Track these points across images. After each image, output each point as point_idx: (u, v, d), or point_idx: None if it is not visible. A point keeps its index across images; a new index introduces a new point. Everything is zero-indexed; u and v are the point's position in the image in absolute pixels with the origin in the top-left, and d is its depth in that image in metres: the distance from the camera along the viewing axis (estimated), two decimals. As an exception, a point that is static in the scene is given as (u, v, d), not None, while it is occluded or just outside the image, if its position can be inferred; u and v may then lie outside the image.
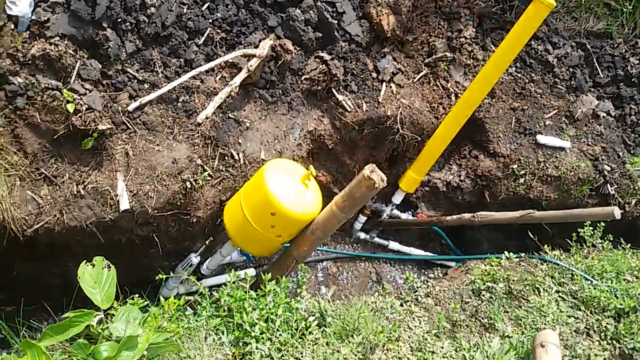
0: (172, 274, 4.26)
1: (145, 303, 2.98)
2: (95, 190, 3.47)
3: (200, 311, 3.22)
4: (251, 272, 4.85)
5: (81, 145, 3.44)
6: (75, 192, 3.44)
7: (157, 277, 3.20)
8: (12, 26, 3.31)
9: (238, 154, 4.07)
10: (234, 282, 3.25)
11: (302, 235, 3.82)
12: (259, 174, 3.74)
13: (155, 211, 3.63)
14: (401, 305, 3.88)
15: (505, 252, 4.38)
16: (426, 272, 5.80)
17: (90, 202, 3.47)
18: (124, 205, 3.46)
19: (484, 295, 4.03)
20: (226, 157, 4.04)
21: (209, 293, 3.32)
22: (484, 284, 4.10)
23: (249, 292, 3.21)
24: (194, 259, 4.16)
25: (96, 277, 2.50)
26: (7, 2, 3.28)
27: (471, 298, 4.04)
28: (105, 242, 3.59)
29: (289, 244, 3.94)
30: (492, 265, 4.27)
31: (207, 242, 4.06)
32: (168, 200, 3.67)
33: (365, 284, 5.57)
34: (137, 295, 3.07)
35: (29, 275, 3.71)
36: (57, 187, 3.40)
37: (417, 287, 4.09)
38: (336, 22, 4.66)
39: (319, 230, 3.75)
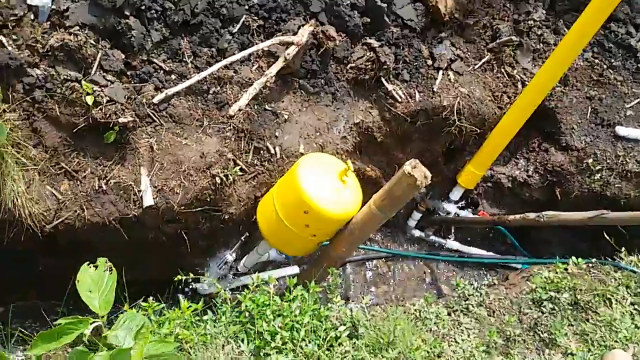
0: (206, 271, 4.09)
1: (161, 306, 2.77)
2: (118, 186, 3.30)
3: (220, 316, 2.98)
4: (294, 270, 4.60)
5: (104, 139, 3.27)
6: (97, 188, 3.29)
7: (175, 278, 2.98)
8: (32, 16, 3.19)
9: (274, 148, 3.80)
10: (257, 286, 2.98)
11: (340, 235, 3.52)
12: (292, 169, 3.46)
13: (182, 207, 3.43)
14: (448, 314, 3.49)
15: (573, 258, 3.88)
16: (487, 275, 5.34)
17: (112, 197, 3.32)
18: (148, 201, 3.28)
19: (545, 306, 3.58)
20: (261, 151, 3.78)
21: (232, 296, 3.07)
22: (546, 293, 3.64)
23: (272, 297, 2.94)
24: (229, 256, 3.96)
25: (97, 280, 2.30)
26: (27, -9, 3.16)
27: (531, 309, 3.59)
28: (129, 239, 3.42)
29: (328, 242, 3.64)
30: (556, 272, 3.79)
31: (242, 239, 3.83)
32: (196, 196, 3.46)
33: (418, 286, 5.19)
34: (151, 298, 2.86)
35: (54, 272, 3.61)
36: (78, 182, 3.26)
37: (469, 295, 3.67)
38: (386, 5, 4.28)
39: (357, 230, 3.43)
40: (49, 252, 3.46)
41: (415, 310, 3.52)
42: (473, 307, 3.58)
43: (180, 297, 2.79)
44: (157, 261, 3.82)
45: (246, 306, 2.92)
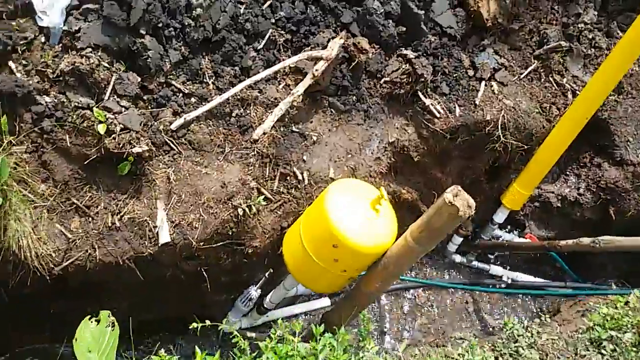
0: (231, 309, 3.83)
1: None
2: (132, 222, 3.06)
3: (239, 371, 2.70)
4: (324, 302, 4.30)
5: (117, 170, 3.04)
6: (110, 224, 3.05)
7: (191, 326, 2.71)
8: (43, 39, 2.99)
9: (302, 173, 3.52)
10: (281, 338, 2.68)
11: (373, 269, 3.21)
12: (320, 198, 3.16)
13: (202, 243, 3.17)
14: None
15: (635, 291, 3.47)
16: (534, 304, 4.93)
17: (126, 234, 3.08)
18: (164, 238, 3.03)
19: (605, 348, 3.18)
20: (288, 177, 3.50)
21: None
22: (605, 332, 3.25)
23: (297, 348, 2.63)
24: (254, 292, 3.68)
25: (97, 338, 2.05)
26: (37, 13, 2.96)
27: (588, 350, 3.21)
28: (145, 279, 3.17)
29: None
30: (616, 307, 3.38)
31: (266, 274, 3.55)
32: (216, 230, 3.20)
33: (459, 317, 4.82)
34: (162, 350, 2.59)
35: (66, 314, 3.39)
36: (90, 219, 3.03)
37: (518, 336, 3.29)
38: (423, 12, 3.97)
39: (392, 265, 3.10)
40: (59, 294, 3.24)
41: (459, 355, 3.16)
42: (523, 349, 3.22)
43: (197, 348, 2.51)
44: (176, 299, 3.58)
45: (267, 358, 2.62)
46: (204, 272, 3.33)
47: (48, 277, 2.92)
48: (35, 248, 2.79)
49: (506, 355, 3.20)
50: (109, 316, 2.15)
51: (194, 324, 2.70)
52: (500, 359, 3.16)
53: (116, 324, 2.15)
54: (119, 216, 3.05)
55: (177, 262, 3.24)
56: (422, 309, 4.80)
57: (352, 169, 3.77)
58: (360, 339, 2.90)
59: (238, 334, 2.64)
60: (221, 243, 3.29)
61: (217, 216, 3.19)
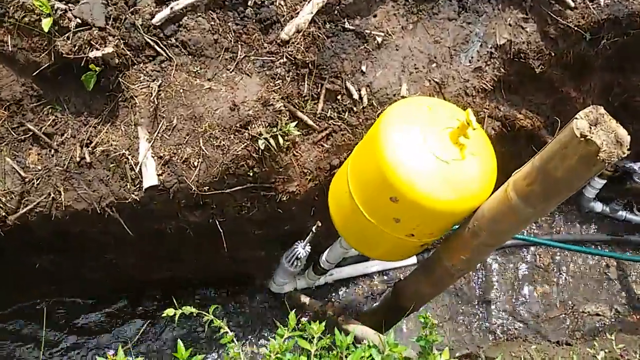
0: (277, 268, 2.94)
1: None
2: (107, 156, 2.19)
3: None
4: (410, 260, 3.28)
5: (84, 85, 2.14)
6: (79, 159, 2.21)
7: (173, 313, 1.80)
8: None
9: (359, 90, 2.45)
10: None
11: (457, 236, 2.11)
12: (374, 127, 2.09)
13: (206, 188, 2.24)
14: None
15: None
16: None
17: (102, 173, 2.23)
18: (150, 179, 2.14)
19: None
20: (338, 97, 2.45)
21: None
22: None
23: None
24: (301, 250, 2.72)
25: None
26: None
27: None
28: (139, 232, 2.33)
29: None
30: None
31: (313, 229, 2.56)
32: (226, 170, 2.25)
33: (596, 286, 3.56)
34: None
35: (57, 271, 2.69)
36: (52, 152, 2.21)
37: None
38: None
39: (485, 231, 1.97)
40: (35, 248, 2.50)
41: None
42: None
43: (180, 342, 1.65)
44: (194, 256, 2.73)
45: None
46: (219, 225, 2.40)
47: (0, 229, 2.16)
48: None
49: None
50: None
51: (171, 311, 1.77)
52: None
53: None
54: (89, 148, 2.19)
55: (177, 212, 2.34)
56: (544, 274, 3.60)
57: (437, 84, 2.63)
58: (423, 351, 1.82)
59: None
60: (239, 188, 2.33)
61: (227, 151, 2.22)
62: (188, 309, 1.79)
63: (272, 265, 3.02)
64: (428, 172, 1.94)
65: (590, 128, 1.57)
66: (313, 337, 1.68)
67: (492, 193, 1.99)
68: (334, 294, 3.38)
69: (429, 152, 1.95)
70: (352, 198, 2.16)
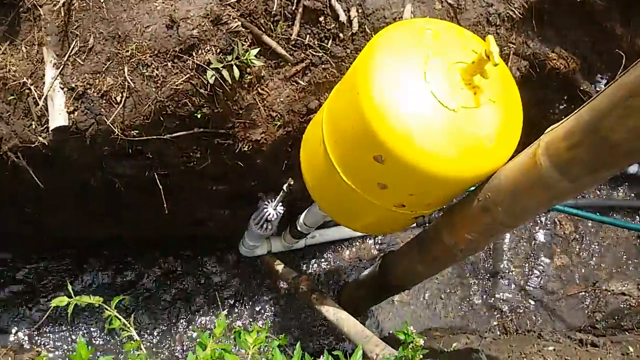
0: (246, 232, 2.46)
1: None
2: (4, 85, 1.64)
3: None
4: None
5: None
6: (-32, 88, 1.67)
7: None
8: None
9: (348, 10, 1.87)
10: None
11: (464, 208, 1.57)
12: (358, 59, 1.52)
13: (134, 132, 1.70)
14: None
15: None
16: None
17: (0, 108, 1.68)
18: (56, 118, 1.61)
19: None
20: (320, 18, 1.87)
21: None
22: None
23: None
24: (271, 211, 2.20)
25: None
26: None
27: None
28: (57, 184, 1.82)
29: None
30: None
31: (284, 187, 2.03)
32: (162, 108, 1.70)
33: (624, 259, 3.05)
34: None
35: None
36: None
37: None
38: None
39: (501, 207, 1.45)
40: None
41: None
42: None
43: (81, 338, 1.19)
44: (137, 214, 2.23)
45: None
46: (157, 179, 1.88)
47: None
48: None
49: None
50: None
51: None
52: None
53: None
54: (-18, 75, 1.65)
55: (99, 161, 1.82)
56: (564, 244, 3.08)
57: (452, 7, 2.09)
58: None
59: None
60: (182, 133, 1.79)
61: (162, 83, 1.67)
62: (85, 299, 1.29)
63: (241, 225, 2.52)
64: (427, 122, 1.40)
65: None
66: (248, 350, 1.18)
67: (514, 155, 1.45)
68: (315, 259, 2.89)
69: (430, 95, 1.41)
70: (327, 153, 1.63)
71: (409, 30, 1.55)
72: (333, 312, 1.99)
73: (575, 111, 1.22)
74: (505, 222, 1.51)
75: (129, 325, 1.22)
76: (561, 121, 1.26)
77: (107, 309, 1.22)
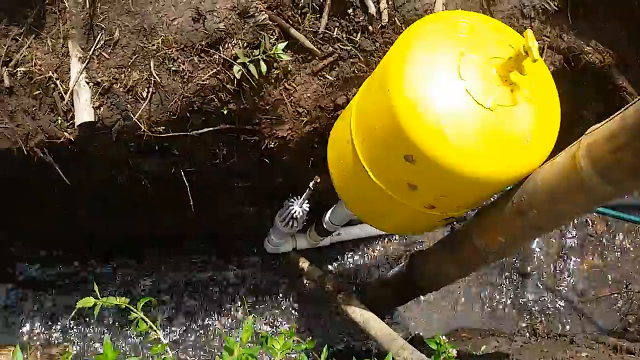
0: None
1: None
2: (30, 80, 1.63)
3: None
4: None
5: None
6: (-3, 81, 1.66)
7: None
8: None
9: (378, 2, 1.81)
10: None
11: (496, 211, 1.51)
12: (389, 54, 1.47)
13: (161, 128, 1.68)
14: None
15: None
16: None
17: (26, 102, 1.68)
18: (82, 114, 1.60)
19: None
20: (349, 11, 1.82)
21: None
22: None
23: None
24: (297, 208, 2.16)
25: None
26: None
27: None
28: (81, 181, 1.82)
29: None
30: None
31: (310, 185, 1.99)
32: (189, 104, 1.68)
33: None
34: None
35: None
36: (-42, 70, 1.65)
37: None
38: None
39: (537, 210, 1.39)
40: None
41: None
42: None
43: (107, 338, 1.19)
44: (167, 212, 2.21)
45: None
46: (184, 177, 1.86)
47: None
48: None
49: None
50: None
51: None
52: None
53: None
54: (9, 68, 1.63)
55: (126, 158, 1.80)
56: (597, 244, 3.00)
57: (485, -1, 1.98)
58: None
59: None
60: (209, 129, 1.76)
61: (188, 78, 1.65)
62: (112, 300, 1.28)
63: (266, 223, 2.49)
64: (461, 121, 1.34)
65: None
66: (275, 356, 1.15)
67: (551, 156, 1.39)
68: (340, 257, 2.85)
69: (464, 92, 1.35)
70: (356, 152, 1.58)
71: (443, 24, 1.49)
72: (360, 313, 1.96)
73: (620, 111, 1.15)
74: (541, 226, 1.46)
75: (155, 328, 1.20)
76: (604, 121, 1.20)
77: (133, 311, 1.20)
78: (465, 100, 1.35)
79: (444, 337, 1.29)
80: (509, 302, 2.83)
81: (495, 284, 2.87)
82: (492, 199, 1.63)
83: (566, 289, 2.90)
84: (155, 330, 1.18)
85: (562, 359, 1.74)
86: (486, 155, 1.36)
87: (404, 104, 1.36)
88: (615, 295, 2.90)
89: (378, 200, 1.61)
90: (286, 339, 1.12)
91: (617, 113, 1.16)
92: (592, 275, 2.94)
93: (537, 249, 2.95)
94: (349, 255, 2.86)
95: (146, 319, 1.18)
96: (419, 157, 1.37)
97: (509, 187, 1.49)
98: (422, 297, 2.80)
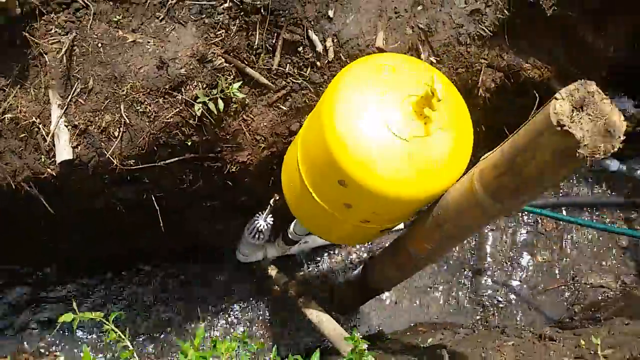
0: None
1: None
2: (16, 125, 1.87)
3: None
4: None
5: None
6: (-14, 127, 1.90)
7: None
8: None
9: (324, 41, 2.06)
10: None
11: (422, 223, 1.77)
12: (326, 93, 1.72)
13: (131, 162, 1.92)
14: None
15: None
16: None
17: (13, 144, 1.93)
18: (62, 153, 1.84)
19: None
20: (299, 49, 2.07)
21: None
22: None
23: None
24: (262, 222, 2.42)
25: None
26: None
27: None
28: (67, 210, 2.06)
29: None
30: None
31: (271, 202, 2.25)
32: (155, 139, 1.93)
33: (603, 254, 3.21)
34: None
35: None
36: (-46, 118, 1.89)
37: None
38: None
39: (449, 223, 1.63)
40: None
41: None
42: None
43: (85, 348, 1.41)
44: (145, 232, 2.45)
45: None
46: (154, 201, 2.10)
47: None
48: None
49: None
50: None
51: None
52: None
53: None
54: (-1, 114, 1.88)
55: (102, 189, 2.05)
56: (546, 241, 3.25)
57: (423, 31, 2.25)
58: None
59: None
60: (175, 159, 2.01)
61: (154, 118, 1.90)
62: (87, 315, 1.52)
63: (237, 234, 2.74)
64: (382, 151, 1.59)
65: (573, 113, 1.20)
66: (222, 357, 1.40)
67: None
68: (309, 263, 3.10)
69: (384, 126, 1.60)
70: (302, 177, 1.83)
71: (369, 66, 1.74)
72: (315, 315, 2.21)
73: (501, 144, 1.40)
74: (455, 236, 1.71)
75: (124, 337, 1.44)
76: (491, 151, 1.45)
77: (105, 323, 1.44)
78: (386, 133, 1.59)
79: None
80: (464, 297, 3.09)
81: (453, 281, 3.13)
82: (422, 211, 1.88)
83: (518, 282, 3.16)
84: (123, 338, 1.43)
85: (490, 347, 1.99)
86: (406, 179, 1.60)
87: (335, 138, 1.60)
88: (563, 287, 3.16)
89: (323, 217, 1.85)
90: (230, 342, 1.36)
91: (498, 146, 1.41)
92: (542, 269, 3.19)
93: (491, 247, 3.21)
94: (318, 261, 3.12)
95: (115, 329, 1.43)
96: (350, 182, 1.62)
97: (429, 204, 1.74)
98: (384, 295, 3.05)
